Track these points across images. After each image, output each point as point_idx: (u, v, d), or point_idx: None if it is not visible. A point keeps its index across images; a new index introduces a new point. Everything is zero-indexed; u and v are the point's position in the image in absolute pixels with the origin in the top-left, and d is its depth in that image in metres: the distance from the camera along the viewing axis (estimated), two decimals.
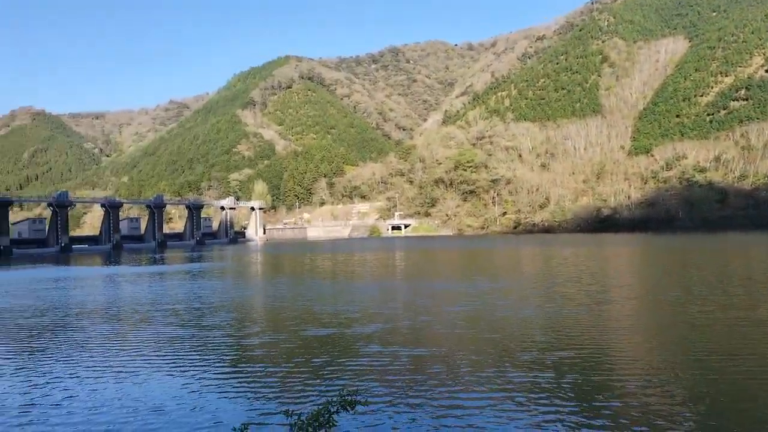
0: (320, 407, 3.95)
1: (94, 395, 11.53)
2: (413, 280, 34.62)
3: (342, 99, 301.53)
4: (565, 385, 11.15)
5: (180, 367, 13.64)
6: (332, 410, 3.97)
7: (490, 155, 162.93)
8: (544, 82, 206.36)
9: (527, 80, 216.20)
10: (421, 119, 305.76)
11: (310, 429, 3.79)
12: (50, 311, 24.83)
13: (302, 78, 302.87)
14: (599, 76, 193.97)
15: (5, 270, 61.54)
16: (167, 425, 9.68)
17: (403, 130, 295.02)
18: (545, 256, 53.20)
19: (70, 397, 11.48)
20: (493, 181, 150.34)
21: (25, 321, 22.08)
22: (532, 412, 9.76)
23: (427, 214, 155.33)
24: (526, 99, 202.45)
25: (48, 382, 12.64)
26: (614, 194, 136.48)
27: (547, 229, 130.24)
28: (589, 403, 10.14)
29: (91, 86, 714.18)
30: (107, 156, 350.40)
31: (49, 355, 15.64)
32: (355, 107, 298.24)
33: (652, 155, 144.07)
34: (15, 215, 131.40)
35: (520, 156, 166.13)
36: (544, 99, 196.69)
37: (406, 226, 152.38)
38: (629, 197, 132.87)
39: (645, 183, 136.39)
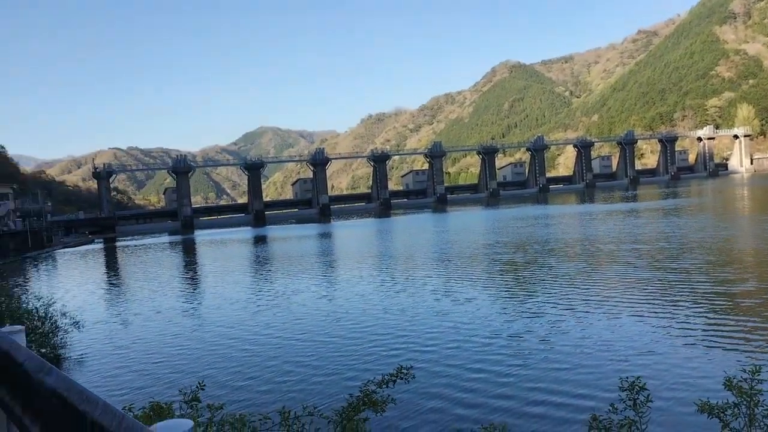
0: None
1: (574, 332, 11.86)
2: None
3: None
4: None
5: (656, 310, 13.09)
6: None
7: None
8: None
9: None
10: None
11: None
12: (528, 246, 27.34)
13: None
14: None
15: (494, 209, 70.81)
16: (660, 371, 9.28)
17: None
18: None
19: (558, 332, 11.97)
20: None
21: (509, 256, 24.85)
22: None
23: None
24: None
25: (529, 316, 13.72)
26: None
27: None
28: None
29: (558, 32, 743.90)
30: (577, 97, 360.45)
31: (530, 289, 17.15)
32: None
33: None
34: (500, 161, 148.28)
35: None
36: None
37: None
38: None
39: None
